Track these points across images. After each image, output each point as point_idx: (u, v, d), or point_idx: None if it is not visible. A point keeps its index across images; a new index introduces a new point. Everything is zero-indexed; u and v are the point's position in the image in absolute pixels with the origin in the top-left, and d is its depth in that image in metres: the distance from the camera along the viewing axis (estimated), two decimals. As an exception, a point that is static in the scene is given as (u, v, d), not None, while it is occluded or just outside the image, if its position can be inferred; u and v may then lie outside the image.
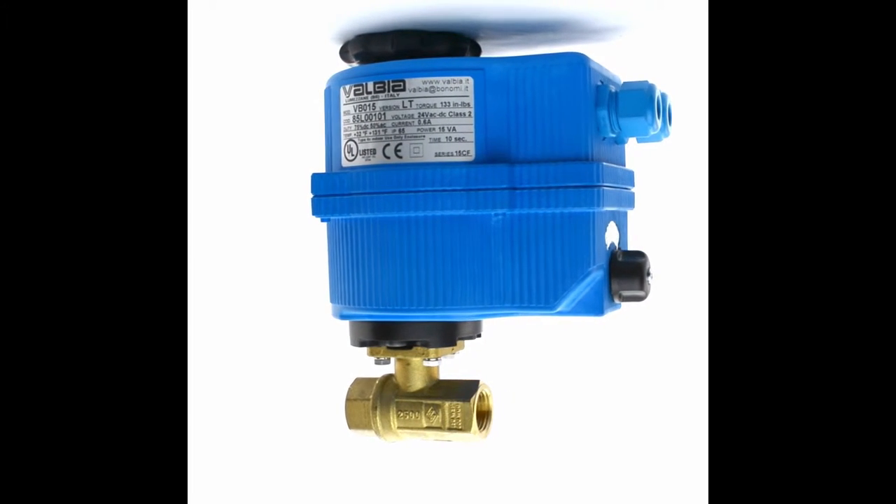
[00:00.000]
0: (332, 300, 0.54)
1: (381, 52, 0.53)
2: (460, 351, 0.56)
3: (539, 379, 0.72)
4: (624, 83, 0.51)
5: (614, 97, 0.50)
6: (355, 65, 0.57)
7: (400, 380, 0.56)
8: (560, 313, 0.50)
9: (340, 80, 0.52)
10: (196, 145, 0.68)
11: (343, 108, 0.52)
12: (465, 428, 0.55)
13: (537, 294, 0.49)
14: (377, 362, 0.56)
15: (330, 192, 0.51)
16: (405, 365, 0.56)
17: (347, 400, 0.57)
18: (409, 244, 0.50)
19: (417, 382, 0.56)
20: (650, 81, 0.50)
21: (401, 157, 0.50)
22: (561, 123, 0.49)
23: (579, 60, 0.49)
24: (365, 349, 0.56)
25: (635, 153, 0.53)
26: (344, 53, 0.56)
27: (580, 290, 0.49)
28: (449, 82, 0.49)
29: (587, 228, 0.49)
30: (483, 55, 0.56)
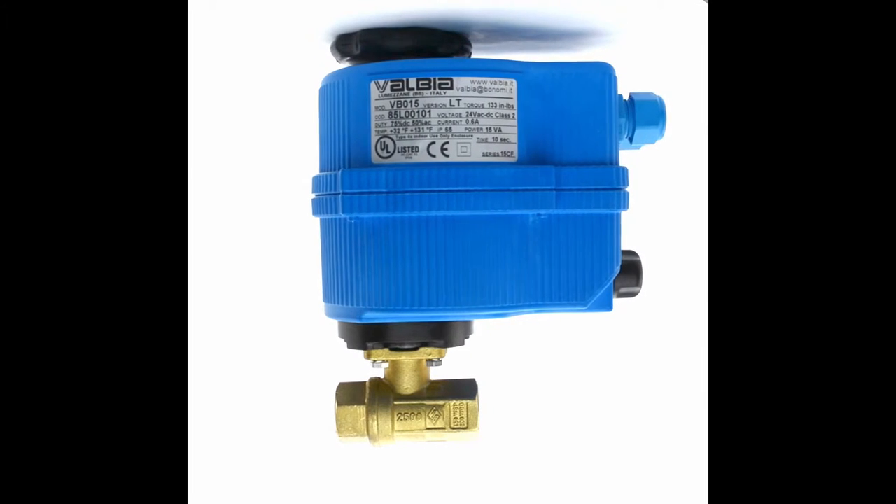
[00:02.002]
0: (344, 302, 0.52)
1: (400, 49, 0.53)
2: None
3: (537, 380, 0.72)
4: (633, 94, 0.54)
5: (632, 106, 0.53)
6: (347, 63, 0.56)
7: (396, 382, 0.55)
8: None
9: (370, 73, 0.50)
10: (193, 143, 0.63)
11: (375, 104, 0.50)
12: (471, 426, 0.55)
13: (572, 291, 0.51)
14: (375, 365, 0.55)
15: (364, 190, 0.50)
16: (403, 367, 0.55)
17: (339, 406, 0.55)
18: (454, 243, 0.50)
19: (415, 384, 0.55)
20: (655, 93, 0.54)
21: (447, 156, 0.50)
22: (594, 128, 0.51)
23: (608, 70, 0.52)
24: (352, 350, 0.55)
25: (637, 154, 0.56)
26: (344, 47, 0.54)
27: None
28: (496, 83, 0.50)
29: (615, 228, 0.52)
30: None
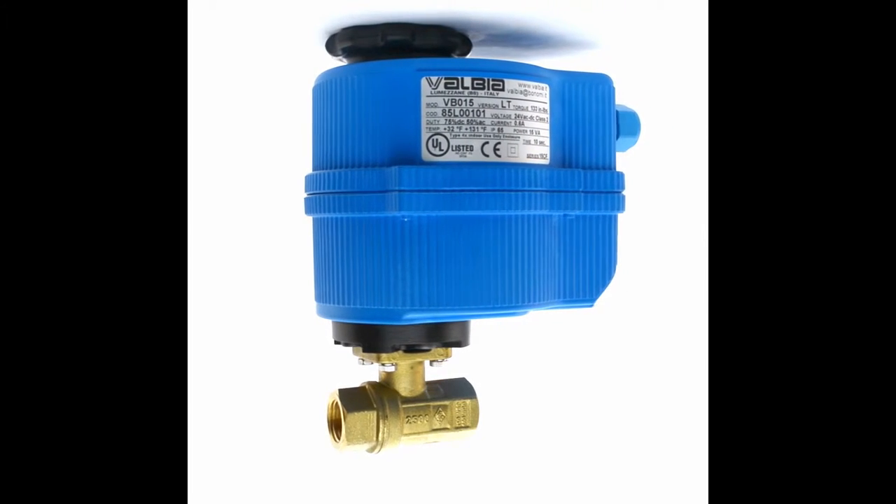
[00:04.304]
0: (374, 303, 0.50)
1: (426, 46, 0.52)
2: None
3: (537, 381, 0.70)
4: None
5: (616, 116, 0.57)
6: (344, 60, 0.54)
7: (400, 385, 0.54)
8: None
9: (420, 69, 0.49)
10: (192, 143, 0.58)
11: (427, 100, 0.49)
12: (472, 425, 0.56)
13: (583, 288, 0.54)
14: (384, 367, 0.54)
15: (423, 188, 0.49)
16: (410, 369, 0.54)
17: (349, 413, 0.53)
18: (502, 242, 0.51)
19: (417, 386, 0.55)
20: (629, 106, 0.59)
21: (499, 157, 0.50)
22: (601, 135, 0.55)
23: (610, 81, 0.55)
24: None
25: (637, 155, 0.60)
26: (362, 39, 0.52)
27: None
28: (536, 87, 0.52)
29: (616, 229, 0.56)
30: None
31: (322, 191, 0.52)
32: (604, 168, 0.55)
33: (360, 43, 0.52)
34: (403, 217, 0.49)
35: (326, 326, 0.56)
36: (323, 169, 0.53)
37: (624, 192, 0.55)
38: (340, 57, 0.55)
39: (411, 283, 0.50)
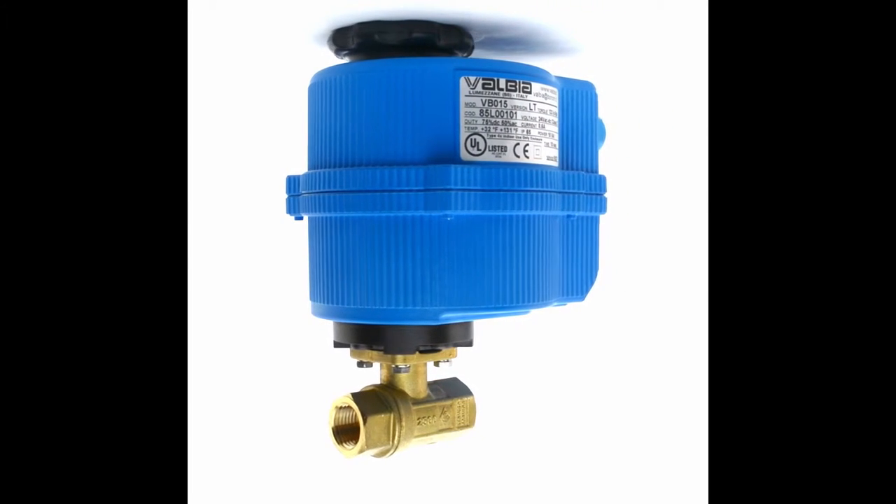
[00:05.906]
0: (408, 304, 0.49)
1: (446, 46, 0.52)
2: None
3: (535, 381, 0.67)
4: None
5: (592, 123, 0.60)
6: (346, 57, 0.53)
7: (409, 386, 0.54)
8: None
9: (459, 68, 0.49)
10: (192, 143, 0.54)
11: (465, 100, 0.49)
12: (471, 423, 0.56)
13: (577, 286, 0.56)
14: (398, 370, 0.53)
15: (464, 187, 0.48)
16: (420, 370, 0.54)
17: (368, 416, 0.51)
18: (529, 241, 0.51)
19: (423, 387, 0.55)
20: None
21: (528, 158, 0.51)
22: (590, 139, 0.57)
23: (594, 87, 0.58)
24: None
25: (635, 156, 0.62)
26: (386, 35, 0.51)
27: None
28: (552, 91, 0.53)
29: (598, 229, 0.58)
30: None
31: (336, 189, 0.50)
32: (592, 171, 0.57)
33: (385, 38, 0.51)
34: (447, 216, 0.49)
35: (316, 329, 0.54)
36: (333, 167, 0.51)
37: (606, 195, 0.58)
38: (343, 54, 0.54)
39: (449, 282, 0.49)
